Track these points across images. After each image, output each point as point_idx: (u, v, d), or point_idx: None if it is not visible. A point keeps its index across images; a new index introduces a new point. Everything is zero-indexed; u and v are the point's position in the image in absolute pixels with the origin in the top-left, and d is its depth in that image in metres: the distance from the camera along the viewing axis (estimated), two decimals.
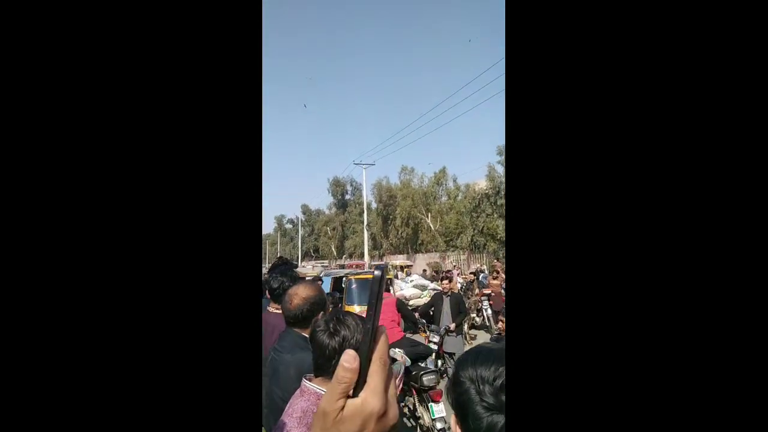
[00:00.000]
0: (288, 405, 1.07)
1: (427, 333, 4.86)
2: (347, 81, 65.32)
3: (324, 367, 1.05)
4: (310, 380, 1.07)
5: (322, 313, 1.57)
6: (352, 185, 34.38)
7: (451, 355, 4.62)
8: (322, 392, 1.01)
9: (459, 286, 9.67)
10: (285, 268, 1.92)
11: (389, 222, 26.81)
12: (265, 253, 55.14)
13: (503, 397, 0.54)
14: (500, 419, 0.53)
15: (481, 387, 0.56)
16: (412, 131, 62.59)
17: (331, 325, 1.07)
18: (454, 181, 25.91)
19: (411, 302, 7.35)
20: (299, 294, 1.53)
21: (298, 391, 1.07)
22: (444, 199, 25.78)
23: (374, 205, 28.71)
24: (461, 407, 0.58)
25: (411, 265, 17.52)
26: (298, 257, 36.22)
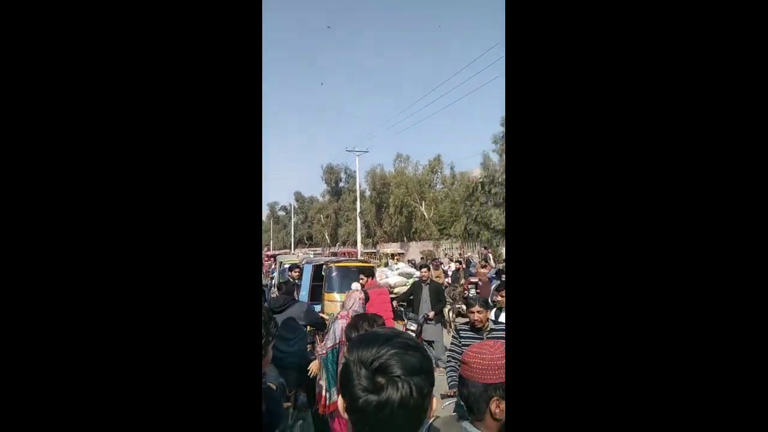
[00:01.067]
0: None
1: (405, 321, 4.73)
2: (344, 66, 64.61)
3: None
4: None
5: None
6: (346, 173, 34.13)
7: (430, 343, 4.50)
8: None
9: (449, 274, 9.56)
10: None
11: (383, 210, 26.67)
12: None
13: (379, 379, 0.58)
14: (373, 399, 0.57)
15: (359, 369, 0.59)
16: (406, 117, 62.03)
17: None
18: (452, 168, 25.69)
19: (396, 290, 7.21)
20: None
21: None
22: (439, 186, 25.58)
23: (368, 193, 28.52)
24: (343, 386, 0.62)
25: (402, 253, 17.43)
26: (291, 244, 36.13)
